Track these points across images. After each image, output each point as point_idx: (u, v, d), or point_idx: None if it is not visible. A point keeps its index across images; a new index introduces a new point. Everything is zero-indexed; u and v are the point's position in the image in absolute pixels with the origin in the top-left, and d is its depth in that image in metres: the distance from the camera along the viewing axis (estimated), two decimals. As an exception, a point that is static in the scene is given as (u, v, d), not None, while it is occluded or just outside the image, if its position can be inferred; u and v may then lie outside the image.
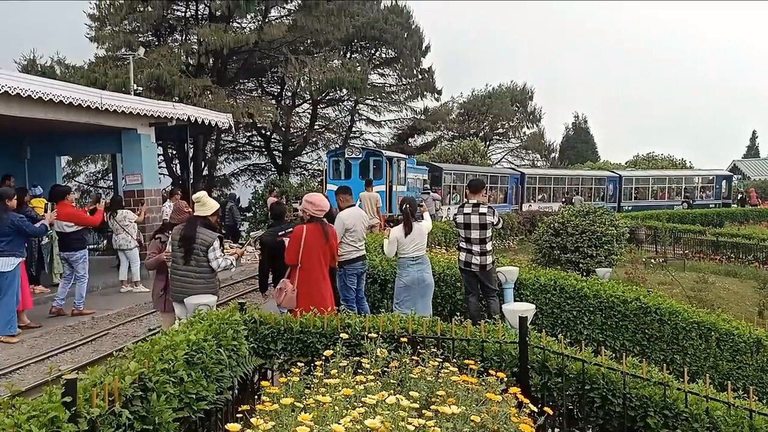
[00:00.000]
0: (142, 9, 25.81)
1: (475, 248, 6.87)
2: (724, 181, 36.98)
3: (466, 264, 6.97)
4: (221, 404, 3.59)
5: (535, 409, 3.10)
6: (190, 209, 6.08)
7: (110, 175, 22.31)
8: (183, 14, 27.69)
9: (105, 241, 17.82)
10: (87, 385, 2.64)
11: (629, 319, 6.98)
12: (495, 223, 6.93)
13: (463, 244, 7.02)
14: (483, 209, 6.90)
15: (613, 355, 4.11)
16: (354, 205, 7.10)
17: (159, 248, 5.90)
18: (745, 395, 3.41)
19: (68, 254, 8.87)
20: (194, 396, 3.20)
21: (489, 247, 6.91)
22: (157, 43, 27.47)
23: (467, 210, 6.98)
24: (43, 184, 11.96)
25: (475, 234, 6.86)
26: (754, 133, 67.83)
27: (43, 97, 9.11)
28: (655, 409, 3.51)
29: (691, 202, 32.90)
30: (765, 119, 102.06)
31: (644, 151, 46.63)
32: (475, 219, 6.87)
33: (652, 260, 16.95)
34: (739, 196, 34.21)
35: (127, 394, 2.75)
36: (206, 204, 5.60)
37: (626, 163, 45.71)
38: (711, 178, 36.68)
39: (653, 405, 3.53)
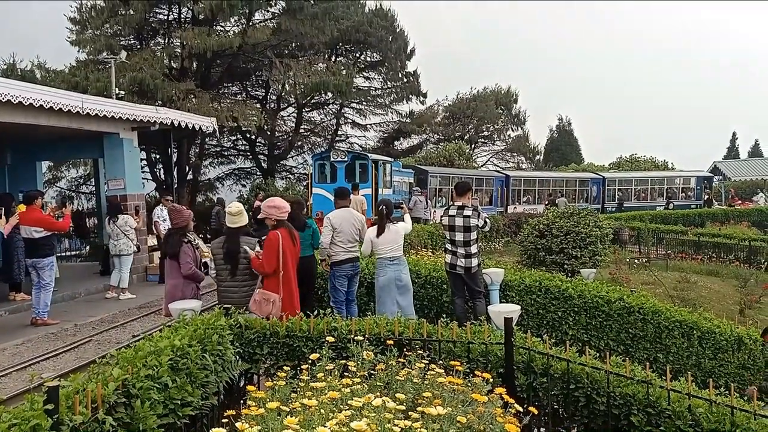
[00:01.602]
0: (123, 12, 25.55)
1: (460, 250, 6.88)
2: (705, 182, 37.52)
3: (451, 266, 6.98)
4: (207, 410, 3.57)
5: (521, 409, 3.12)
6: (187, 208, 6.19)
7: (92, 180, 22.06)
8: (165, 17, 27.46)
9: (87, 247, 17.64)
10: (69, 392, 2.61)
11: (613, 319, 7.05)
12: (480, 225, 6.94)
13: (448, 246, 7.05)
14: (467, 211, 6.92)
15: (598, 354, 4.15)
16: (347, 207, 7.09)
17: (192, 253, 5.88)
18: (727, 392, 3.46)
19: (35, 261, 8.56)
20: (179, 402, 3.18)
21: (474, 249, 6.92)
22: (139, 46, 27.23)
23: (452, 212, 7.00)
24: (25, 190, 11.81)
25: (459, 236, 6.88)
26: (734, 134, 68.82)
27: (24, 102, 8.99)
28: (639, 407, 3.55)
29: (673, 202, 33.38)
30: (745, 121, 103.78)
31: (627, 153, 47.16)
32: (459, 221, 6.89)
33: (636, 261, 17.14)
34: (705, 197, 34.65)
35: (111, 401, 2.73)
36: (243, 214, 5.79)
37: (609, 165, 46.15)
38: (692, 179, 37.20)
39: (637, 403, 3.57)
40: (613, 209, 31.34)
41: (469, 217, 6.86)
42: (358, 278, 7.06)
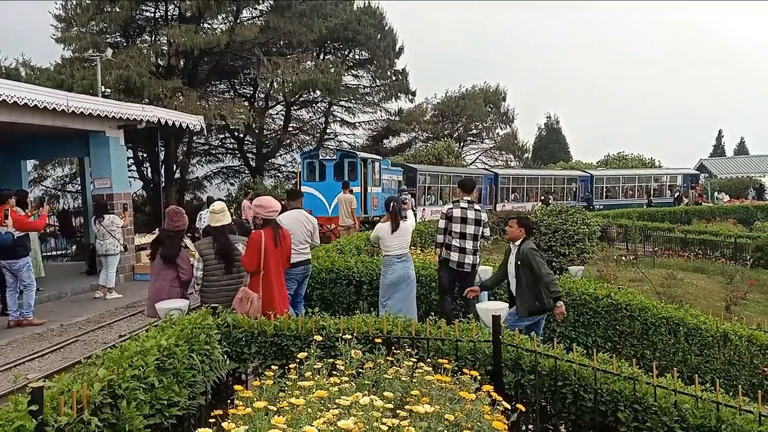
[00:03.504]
0: (109, 9, 25.30)
1: (469, 246, 6.81)
2: (692, 179, 37.90)
3: (459, 264, 6.84)
4: (194, 410, 3.54)
5: (509, 406, 3.13)
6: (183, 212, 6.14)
7: (78, 179, 21.84)
8: (152, 15, 27.22)
9: (74, 247, 17.49)
10: (54, 393, 2.59)
11: (601, 316, 7.09)
12: (486, 221, 7.00)
13: (456, 242, 6.86)
14: (477, 206, 7.01)
15: (585, 351, 4.18)
16: (298, 208, 6.98)
17: (188, 257, 5.84)
18: (713, 388, 3.49)
19: (10, 262, 8.32)
20: (166, 402, 3.15)
21: (479, 245, 6.98)
22: (125, 44, 26.99)
23: (464, 205, 6.95)
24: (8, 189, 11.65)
25: (470, 229, 6.83)
26: (720, 132, 69.60)
27: (8, 100, 8.88)
28: (626, 403, 3.57)
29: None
30: (731, 119, 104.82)
31: (615, 151, 47.47)
32: (471, 214, 6.84)
33: (623, 258, 17.25)
34: (676, 194, 34.99)
35: (96, 402, 2.70)
36: (226, 212, 5.79)
37: (597, 163, 46.42)
38: (679, 176, 37.55)
39: (623, 399, 3.59)
40: (601, 207, 31.52)
41: (480, 210, 6.94)
42: (307, 280, 6.88)
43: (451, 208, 7.03)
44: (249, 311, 5.16)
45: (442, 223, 7.08)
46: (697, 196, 35.02)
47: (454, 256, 6.88)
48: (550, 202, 24.58)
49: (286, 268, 5.87)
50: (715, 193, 37.46)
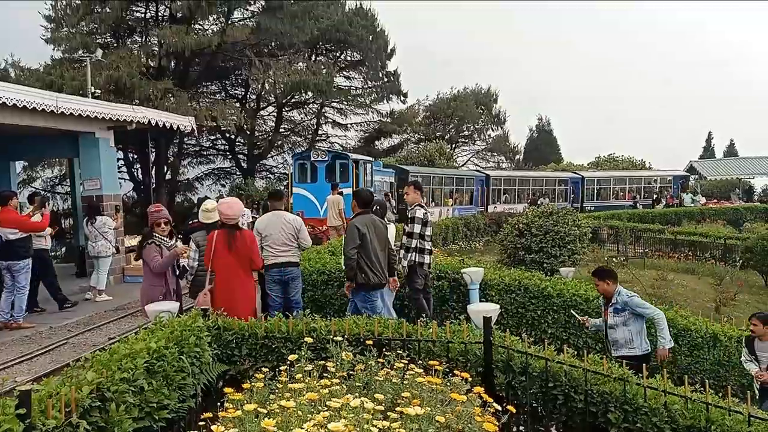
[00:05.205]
0: (99, 10, 25.18)
1: (429, 245, 7.06)
2: (682, 181, 38.17)
3: (428, 266, 7.08)
4: (184, 412, 3.52)
5: (499, 408, 3.13)
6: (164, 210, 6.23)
7: (68, 180, 21.67)
8: (143, 15, 27.11)
9: (63, 249, 17.36)
10: (42, 396, 2.57)
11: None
12: None
13: (428, 245, 7.04)
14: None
15: (576, 352, 4.20)
16: (279, 209, 6.83)
17: (156, 250, 5.91)
18: (702, 389, 3.51)
19: (11, 263, 8.30)
20: (155, 405, 3.14)
21: None
22: (115, 44, 26.86)
23: (424, 209, 7.15)
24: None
25: (429, 230, 7.07)
26: (709, 134, 70.16)
27: (-4, 100, 8.81)
28: (616, 404, 3.59)
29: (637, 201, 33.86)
30: (721, 121, 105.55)
31: (606, 153, 47.72)
32: (429, 216, 7.13)
33: (614, 259, 17.33)
34: (654, 196, 35.13)
35: (85, 405, 2.68)
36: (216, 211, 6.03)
37: (588, 164, 46.64)
38: (669, 178, 37.81)
39: (614, 400, 3.60)
40: (592, 208, 31.63)
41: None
42: (296, 283, 6.68)
43: (425, 213, 7.09)
44: (199, 301, 5.44)
45: (417, 228, 6.95)
46: (669, 197, 35.23)
47: (427, 259, 7.04)
48: (539, 203, 24.66)
49: (255, 268, 5.91)
50: (689, 194, 37.53)
